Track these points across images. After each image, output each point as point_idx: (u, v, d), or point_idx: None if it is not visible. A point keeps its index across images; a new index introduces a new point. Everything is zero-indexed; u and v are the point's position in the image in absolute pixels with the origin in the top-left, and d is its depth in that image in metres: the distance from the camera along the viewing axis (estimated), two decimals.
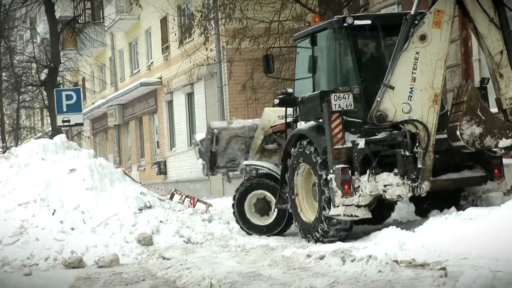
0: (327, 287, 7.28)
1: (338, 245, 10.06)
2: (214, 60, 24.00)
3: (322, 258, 8.73)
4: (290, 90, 13.02)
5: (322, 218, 11.02)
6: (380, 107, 10.57)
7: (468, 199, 11.52)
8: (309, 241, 11.44)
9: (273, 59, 12.82)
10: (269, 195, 13.21)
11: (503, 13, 10.80)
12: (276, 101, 13.21)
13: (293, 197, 11.83)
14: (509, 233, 8.43)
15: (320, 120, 11.13)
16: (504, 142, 10.68)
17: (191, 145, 14.30)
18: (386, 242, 9.69)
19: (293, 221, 12.18)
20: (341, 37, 11.43)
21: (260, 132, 13.77)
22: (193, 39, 24.54)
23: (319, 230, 11.16)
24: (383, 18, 12.22)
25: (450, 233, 9.23)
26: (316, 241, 11.23)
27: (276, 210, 12.97)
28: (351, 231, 11.34)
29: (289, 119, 12.66)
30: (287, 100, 12.58)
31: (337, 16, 12.06)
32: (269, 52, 13.06)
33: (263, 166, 13.53)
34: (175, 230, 12.75)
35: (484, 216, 9.55)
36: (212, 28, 22.99)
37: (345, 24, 11.24)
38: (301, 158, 11.51)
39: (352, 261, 8.17)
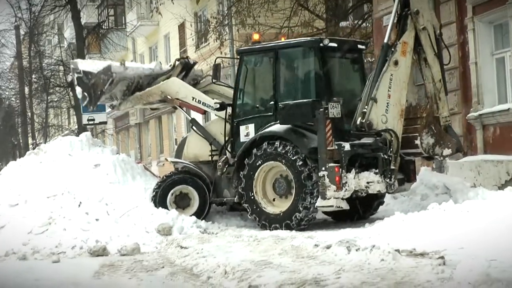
0: (333, 275, 7.26)
1: (344, 235, 10.10)
2: (229, 64, 23.99)
3: (328, 247, 8.71)
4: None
5: (301, 208, 11.70)
6: (369, 117, 11.45)
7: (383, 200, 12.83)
8: (275, 229, 11.85)
9: (220, 68, 13.65)
10: (190, 190, 13.32)
11: (439, 50, 12.14)
12: (177, 62, 14.58)
13: (252, 192, 12.27)
14: (504, 224, 8.41)
15: (305, 124, 11.76)
16: (446, 152, 12.07)
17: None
18: (388, 232, 9.66)
19: (248, 214, 12.46)
20: (317, 54, 12.26)
21: (158, 93, 14.07)
22: (209, 43, 24.60)
23: (294, 219, 11.77)
24: (346, 43, 13.21)
25: (448, 224, 9.21)
26: (288, 228, 11.78)
27: (197, 203, 13.24)
28: (315, 219, 12.24)
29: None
30: (226, 105, 13.17)
31: (313, 37, 13.14)
32: (217, 62, 13.63)
33: (186, 164, 13.71)
34: (192, 220, 12.77)
35: (479, 208, 9.53)
36: (227, 34, 23.00)
37: (321, 45, 12.21)
38: (272, 157, 12.00)
39: (356, 250, 8.14)
